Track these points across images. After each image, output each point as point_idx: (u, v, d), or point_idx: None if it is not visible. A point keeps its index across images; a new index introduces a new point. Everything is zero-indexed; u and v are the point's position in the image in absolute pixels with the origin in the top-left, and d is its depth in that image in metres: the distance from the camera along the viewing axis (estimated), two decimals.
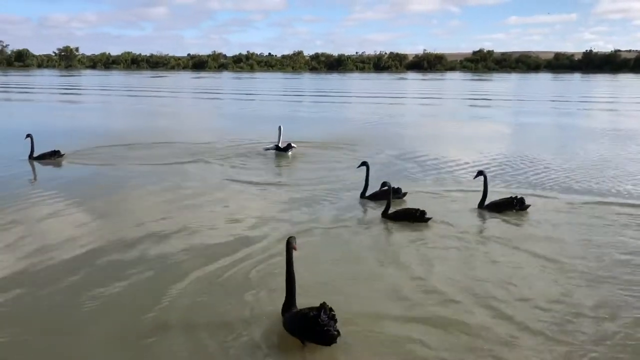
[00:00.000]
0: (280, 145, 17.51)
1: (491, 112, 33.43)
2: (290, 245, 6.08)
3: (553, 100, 43.29)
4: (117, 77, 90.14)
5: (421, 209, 9.74)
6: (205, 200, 11.23)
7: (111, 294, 6.74)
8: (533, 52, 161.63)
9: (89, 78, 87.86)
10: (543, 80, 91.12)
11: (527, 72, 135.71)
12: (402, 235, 9.12)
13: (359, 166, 11.82)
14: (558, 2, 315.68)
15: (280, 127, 17.90)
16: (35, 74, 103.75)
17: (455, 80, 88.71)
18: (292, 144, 17.47)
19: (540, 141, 20.59)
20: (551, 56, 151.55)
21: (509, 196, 10.69)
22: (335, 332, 5.43)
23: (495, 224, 9.79)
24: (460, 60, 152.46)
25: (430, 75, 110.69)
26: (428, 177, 13.54)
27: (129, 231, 9.09)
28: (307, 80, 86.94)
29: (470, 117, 30.40)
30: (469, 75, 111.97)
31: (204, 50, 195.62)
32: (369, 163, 11.67)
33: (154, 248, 8.33)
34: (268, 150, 17.45)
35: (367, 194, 11.28)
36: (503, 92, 57.13)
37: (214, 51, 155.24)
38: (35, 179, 13.68)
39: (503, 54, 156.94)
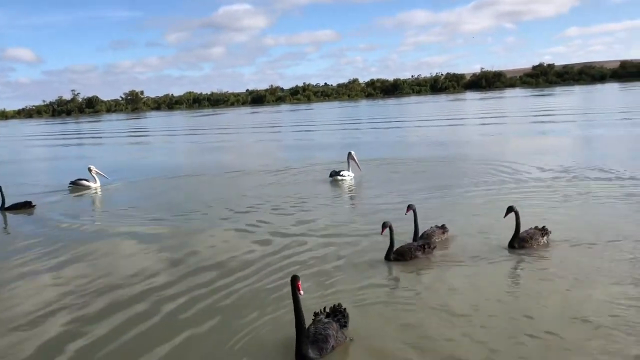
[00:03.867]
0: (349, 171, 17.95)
1: (558, 127, 32.16)
2: (294, 283, 6.08)
3: (623, 112, 41.24)
4: (180, 118, 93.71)
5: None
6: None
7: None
8: (597, 63, 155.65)
9: (154, 120, 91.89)
10: (610, 90, 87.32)
11: (591, 83, 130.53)
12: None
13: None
14: (620, 9, 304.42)
15: (350, 153, 18.17)
16: (106, 118, 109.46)
17: (516, 98, 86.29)
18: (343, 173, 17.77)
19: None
20: (617, 65, 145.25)
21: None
22: None
23: None
24: (520, 76, 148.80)
25: (489, 94, 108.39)
26: None
27: None
28: (364, 108, 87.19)
29: (537, 134, 29.35)
30: (529, 91, 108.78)
31: (261, 85, 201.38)
32: None
33: None
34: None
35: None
36: (568, 106, 55.02)
37: (271, 85, 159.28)
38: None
39: (564, 66, 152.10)
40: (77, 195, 18.67)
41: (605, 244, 9.34)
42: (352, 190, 16.91)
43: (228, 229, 12.28)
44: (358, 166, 18.34)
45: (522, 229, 9.65)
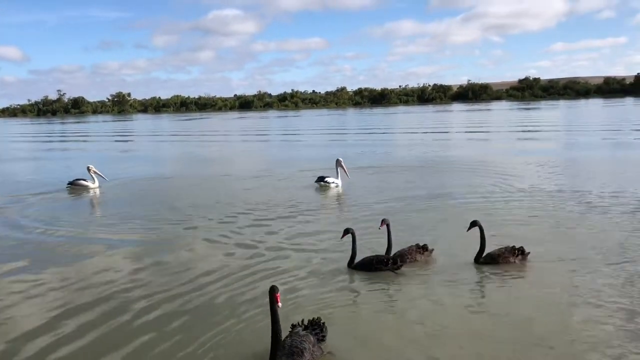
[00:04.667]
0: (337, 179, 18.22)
1: (541, 143, 32.57)
2: (272, 294, 5.96)
3: (607, 130, 41.90)
4: (167, 121, 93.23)
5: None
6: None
7: None
8: (581, 78, 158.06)
9: (140, 122, 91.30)
10: (594, 106, 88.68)
11: (576, 98, 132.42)
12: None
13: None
14: (604, 26, 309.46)
15: (338, 160, 18.41)
16: (92, 120, 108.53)
17: (501, 110, 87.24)
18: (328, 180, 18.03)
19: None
20: (601, 81, 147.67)
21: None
22: None
23: None
24: (506, 89, 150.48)
25: (476, 106, 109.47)
26: None
27: None
28: (351, 116, 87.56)
29: (520, 152, 29.70)
30: (515, 104, 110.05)
31: (249, 91, 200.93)
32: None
33: None
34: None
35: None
36: (553, 121, 55.76)
37: (259, 91, 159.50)
38: None
39: (550, 80, 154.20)
40: (66, 197, 18.45)
41: (581, 263, 9.40)
42: (337, 197, 17.07)
43: (207, 237, 12.20)
44: (346, 173, 18.45)
45: (501, 246, 9.77)
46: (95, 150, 39.84)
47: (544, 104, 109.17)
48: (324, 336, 6.56)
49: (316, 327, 6.58)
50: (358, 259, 9.60)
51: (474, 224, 9.77)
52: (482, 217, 10.79)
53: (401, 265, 9.42)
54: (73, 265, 10.56)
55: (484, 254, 9.60)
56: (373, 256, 9.64)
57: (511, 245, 9.75)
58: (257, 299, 8.14)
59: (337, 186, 18.08)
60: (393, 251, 9.91)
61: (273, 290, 5.96)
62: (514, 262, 9.50)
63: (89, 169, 19.88)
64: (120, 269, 10.23)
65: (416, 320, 7.39)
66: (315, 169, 21.19)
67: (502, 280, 8.91)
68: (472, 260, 9.69)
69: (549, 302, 7.84)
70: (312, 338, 6.27)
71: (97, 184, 19.76)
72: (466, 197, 15.82)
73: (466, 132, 44.99)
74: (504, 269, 9.32)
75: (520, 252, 9.58)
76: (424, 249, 9.93)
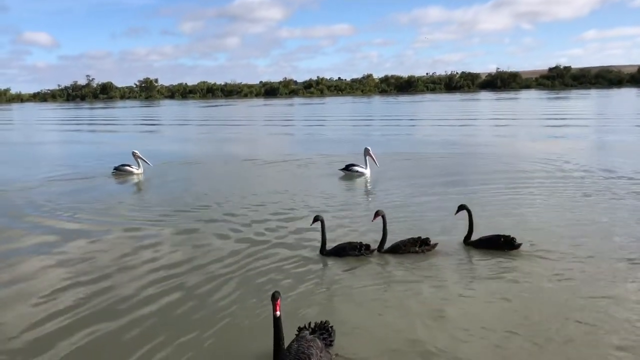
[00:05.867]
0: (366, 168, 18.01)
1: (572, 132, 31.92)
2: (273, 302, 5.69)
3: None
4: (194, 108, 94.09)
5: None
6: None
7: None
8: (614, 67, 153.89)
9: (168, 108, 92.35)
10: (628, 94, 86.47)
11: (608, 87, 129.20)
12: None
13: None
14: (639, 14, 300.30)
15: (366, 149, 18.20)
16: (120, 105, 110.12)
17: (531, 99, 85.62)
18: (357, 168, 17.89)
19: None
20: (634, 70, 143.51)
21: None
22: None
23: None
24: (536, 78, 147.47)
25: (504, 95, 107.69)
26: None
27: None
28: (377, 104, 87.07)
29: (549, 137, 29.15)
30: (545, 93, 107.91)
31: (275, 78, 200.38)
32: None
33: None
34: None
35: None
36: (585, 110, 54.54)
37: (285, 78, 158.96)
38: None
39: (581, 69, 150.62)
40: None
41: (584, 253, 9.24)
42: (365, 186, 17.00)
43: (237, 224, 12.25)
44: (375, 161, 18.27)
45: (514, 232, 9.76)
46: (128, 134, 40.40)
47: (575, 93, 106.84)
48: (332, 341, 6.25)
49: (324, 331, 6.28)
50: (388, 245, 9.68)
51: (462, 207, 10.07)
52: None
53: (373, 251, 9.52)
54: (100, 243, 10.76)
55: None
56: (346, 243, 9.66)
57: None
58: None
59: (362, 174, 17.94)
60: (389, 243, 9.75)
61: (274, 297, 5.73)
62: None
63: (134, 155, 19.94)
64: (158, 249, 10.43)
65: (418, 309, 7.30)
66: (344, 157, 21.14)
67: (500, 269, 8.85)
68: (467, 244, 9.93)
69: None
70: (319, 343, 5.98)
71: (141, 169, 19.90)
72: (491, 184, 15.65)
73: (495, 119, 44.29)
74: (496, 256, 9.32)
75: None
76: (424, 242, 9.62)
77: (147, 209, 14.13)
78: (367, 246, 9.51)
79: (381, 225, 9.80)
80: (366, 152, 18.26)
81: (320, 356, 5.81)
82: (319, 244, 9.80)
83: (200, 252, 10.07)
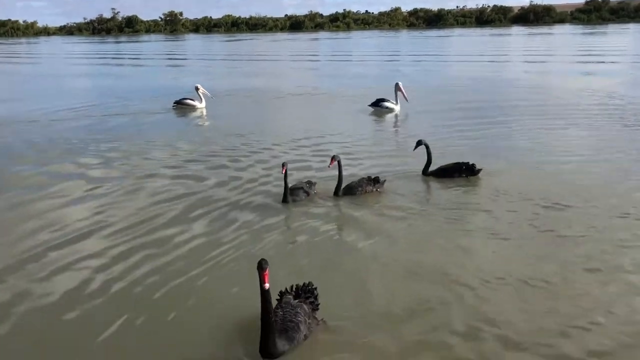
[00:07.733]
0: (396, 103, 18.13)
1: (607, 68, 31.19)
2: (260, 272, 4.79)
3: None
4: (218, 43, 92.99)
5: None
6: None
7: None
8: None
9: (194, 42, 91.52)
10: None
11: None
12: None
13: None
14: None
15: (397, 84, 18.19)
16: (146, 39, 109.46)
17: (564, 35, 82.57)
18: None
19: None
20: None
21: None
22: None
23: None
24: (571, 11, 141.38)
25: (537, 30, 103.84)
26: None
27: None
28: (405, 39, 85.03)
29: (583, 74, 28.60)
30: (580, 28, 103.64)
31: (300, 11, 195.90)
32: None
33: None
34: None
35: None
36: (623, 46, 52.71)
37: (310, 11, 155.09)
38: None
39: (620, 2, 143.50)
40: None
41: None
42: (395, 120, 17.33)
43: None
44: (405, 97, 18.30)
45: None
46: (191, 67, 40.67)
47: (612, 27, 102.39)
48: (317, 304, 5.56)
49: (309, 294, 5.57)
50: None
51: (419, 143, 10.46)
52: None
53: (315, 192, 9.45)
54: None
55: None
56: (298, 184, 9.49)
57: None
58: None
59: (395, 111, 18.11)
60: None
61: (261, 267, 4.77)
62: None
63: (197, 89, 19.78)
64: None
65: (394, 257, 7.02)
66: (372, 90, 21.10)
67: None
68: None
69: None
70: (305, 308, 5.35)
71: (204, 103, 19.73)
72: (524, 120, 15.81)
73: (529, 56, 43.27)
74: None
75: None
76: (375, 181, 9.59)
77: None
78: (310, 184, 9.58)
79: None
80: (397, 88, 18.24)
81: (308, 323, 5.27)
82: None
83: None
